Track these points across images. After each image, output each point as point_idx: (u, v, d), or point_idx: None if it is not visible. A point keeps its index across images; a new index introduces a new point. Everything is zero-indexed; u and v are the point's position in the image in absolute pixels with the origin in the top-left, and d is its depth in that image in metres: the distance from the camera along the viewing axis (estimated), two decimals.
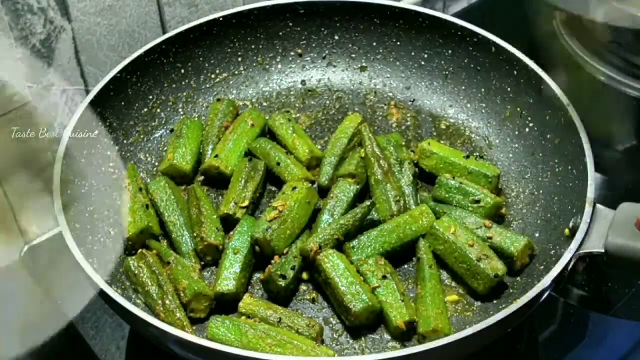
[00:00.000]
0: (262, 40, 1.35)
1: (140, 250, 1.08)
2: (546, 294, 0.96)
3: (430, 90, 1.34)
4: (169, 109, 1.30)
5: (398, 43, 1.36)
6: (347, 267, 1.05)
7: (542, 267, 1.05)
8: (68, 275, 1.19)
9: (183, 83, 1.31)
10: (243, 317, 1.02)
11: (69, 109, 1.23)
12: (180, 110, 1.31)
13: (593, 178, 1.04)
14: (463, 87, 1.32)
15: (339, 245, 1.08)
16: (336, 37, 1.37)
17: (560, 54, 1.47)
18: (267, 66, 1.37)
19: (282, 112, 1.30)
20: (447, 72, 1.33)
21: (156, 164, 1.25)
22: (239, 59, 1.35)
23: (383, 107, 1.35)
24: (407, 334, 1.02)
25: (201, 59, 1.32)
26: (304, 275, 1.09)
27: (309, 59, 1.38)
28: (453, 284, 1.09)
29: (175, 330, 0.88)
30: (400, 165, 1.20)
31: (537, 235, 1.12)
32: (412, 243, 1.11)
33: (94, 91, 1.16)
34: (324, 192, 1.18)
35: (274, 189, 1.21)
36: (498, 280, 1.05)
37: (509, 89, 1.26)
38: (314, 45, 1.37)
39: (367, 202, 1.11)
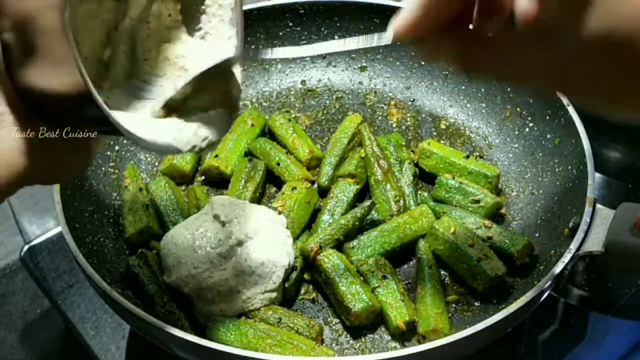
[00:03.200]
0: (262, 40, 1.35)
1: (140, 250, 1.07)
2: (546, 294, 0.96)
3: (430, 90, 1.34)
4: None
5: (398, 43, 1.35)
6: (347, 267, 1.05)
7: (542, 267, 1.05)
8: (68, 275, 1.20)
9: None
10: (243, 317, 1.02)
11: None
12: None
13: (593, 178, 1.04)
14: (463, 87, 1.32)
15: (339, 246, 1.08)
16: (336, 37, 1.37)
17: None
18: (267, 66, 1.37)
19: (282, 112, 1.30)
20: (447, 72, 1.33)
21: (156, 164, 1.25)
22: None
23: (383, 107, 1.35)
24: (407, 334, 1.02)
25: None
26: (305, 276, 1.09)
27: (309, 59, 1.38)
28: (453, 284, 1.09)
29: (175, 330, 0.88)
30: (400, 165, 1.20)
31: (537, 235, 1.12)
32: (412, 243, 1.11)
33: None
34: (324, 192, 1.18)
35: (274, 189, 1.21)
36: (498, 280, 1.05)
37: (509, 89, 1.26)
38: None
39: (367, 202, 1.11)
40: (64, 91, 0.59)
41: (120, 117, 0.65)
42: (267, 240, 1.04)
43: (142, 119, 0.73)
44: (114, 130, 0.64)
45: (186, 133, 0.74)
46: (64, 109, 0.62)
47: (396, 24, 0.72)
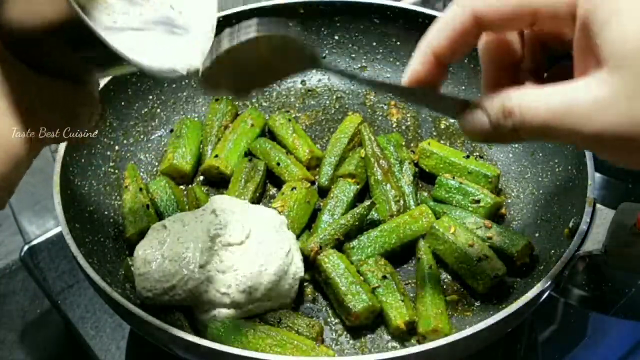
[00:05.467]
0: None
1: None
2: (546, 294, 0.96)
3: None
4: (169, 109, 1.30)
5: (398, 43, 1.36)
6: (347, 267, 1.05)
7: (542, 267, 1.05)
8: (68, 275, 1.20)
9: (183, 83, 1.31)
10: (243, 318, 1.02)
11: None
12: (180, 110, 1.31)
13: (593, 178, 1.04)
14: (463, 87, 1.32)
15: (339, 245, 1.08)
16: (336, 37, 1.37)
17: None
18: None
19: (282, 112, 1.30)
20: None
21: (156, 164, 1.25)
22: None
23: (383, 107, 1.35)
24: (407, 334, 1.02)
25: None
26: (305, 276, 1.09)
27: None
28: (453, 284, 1.09)
29: (175, 330, 0.88)
30: (400, 165, 1.20)
31: (537, 235, 1.12)
32: (412, 243, 1.11)
33: None
34: (324, 192, 1.18)
35: (274, 189, 1.21)
36: (498, 280, 1.05)
37: None
38: (314, 45, 1.37)
39: (367, 202, 1.11)
40: (48, 19, 0.57)
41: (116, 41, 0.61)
42: (277, 250, 1.02)
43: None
44: (107, 57, 0.60)
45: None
46: (49, 42, 0.60)
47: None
